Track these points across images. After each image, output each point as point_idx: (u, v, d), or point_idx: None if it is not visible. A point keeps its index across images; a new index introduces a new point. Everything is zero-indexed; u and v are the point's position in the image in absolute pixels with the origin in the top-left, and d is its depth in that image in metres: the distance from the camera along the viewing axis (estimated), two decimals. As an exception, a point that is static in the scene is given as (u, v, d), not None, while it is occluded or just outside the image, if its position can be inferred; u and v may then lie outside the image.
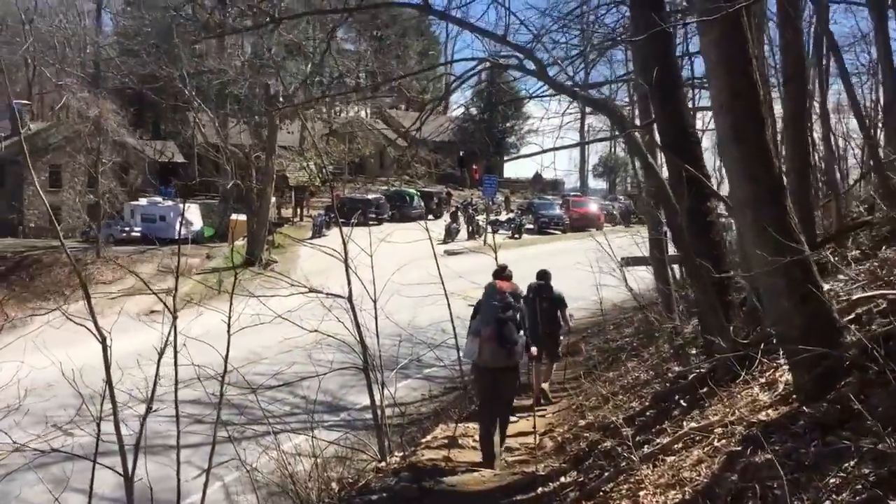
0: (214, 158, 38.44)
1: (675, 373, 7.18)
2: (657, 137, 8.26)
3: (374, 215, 41.70)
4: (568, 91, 7.18)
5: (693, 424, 5.15)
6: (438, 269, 10.94)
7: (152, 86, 42.55)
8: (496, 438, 7.75)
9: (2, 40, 66.61)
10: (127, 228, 41.42)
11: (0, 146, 48.85)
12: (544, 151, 10.62)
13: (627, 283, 11.25)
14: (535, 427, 9.15)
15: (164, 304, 6.50)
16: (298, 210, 46.17)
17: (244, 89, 37.51)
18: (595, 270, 12.01)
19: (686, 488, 4.28)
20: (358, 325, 7.88)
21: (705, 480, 4.26)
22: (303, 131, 46.61)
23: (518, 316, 7.90)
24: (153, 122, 60.16)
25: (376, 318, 8.33)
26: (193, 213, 42.68)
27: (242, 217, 36.22)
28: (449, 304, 10.79)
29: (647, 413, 6.58)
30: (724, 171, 9.03)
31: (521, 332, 7.91)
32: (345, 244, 8.12)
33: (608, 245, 11.53)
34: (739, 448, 4.34)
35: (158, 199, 44.94)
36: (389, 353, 10.46)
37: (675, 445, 4.98)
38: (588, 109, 31.25)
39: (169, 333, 5.88)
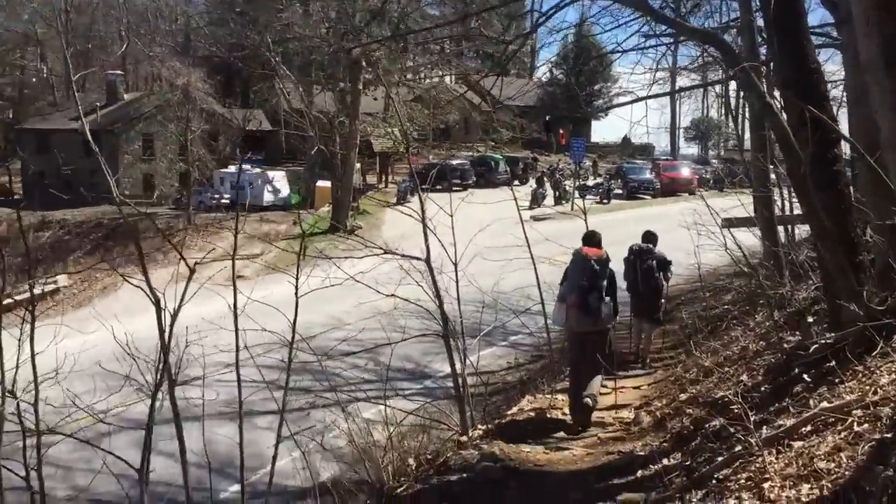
0: (298, 123, 38.56)
1: (792, 343, 6.34)
2: (762, 83, 7.37)
3: (458, 181, 41.28)
4: (671, 22, 6.41)
5: (824, 404, 4.38)
6: (524, 232, 10.39)
7: (240, 54, 42.99)
8: (588, 400, 7.64)
9: (99, 14, 68.98)
10: (216, 195, 42.15)
11: (96, 116, 50.32)
12: (635, 101, 9.79)
13: (732, 244, 10.36)
14: (615, 388, 8.60)
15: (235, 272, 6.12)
16: (383, 176, 46.09)
17: (328, 55, 37.33)
18: (691, 233, 11.26)
19: (823, 482, 3.57)
20: (437, 290, 7.35)
21: (847, 473, 3.54)
22: (387, 98, 46.40)
23: (605, 283, 7.82)
24: (242, 91, 61.10)
25: (457, 283, 7.80)
26: (280, 180, 43.14)
27: (328, 183, 36.29)
28: (536, 269, 10.22)
29: (762, 389, 5.81)
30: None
31: (608, 299, 7.85)
32: (422, 203, 7.60)
33: (706, 206, 10.87)
34: (890, 434, 3.61)
35: (246, 166, 45.55)
36: (473, 320, 9.99)
37: (803, 428, 4.24)
38: (680, 64, 29.61)
39: (186, 293, 5.51)
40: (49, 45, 70.92)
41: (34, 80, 72.29)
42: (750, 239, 11.66)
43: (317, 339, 10.72)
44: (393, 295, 7.62)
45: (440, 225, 8.40)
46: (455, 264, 7.82)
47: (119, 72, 56.86)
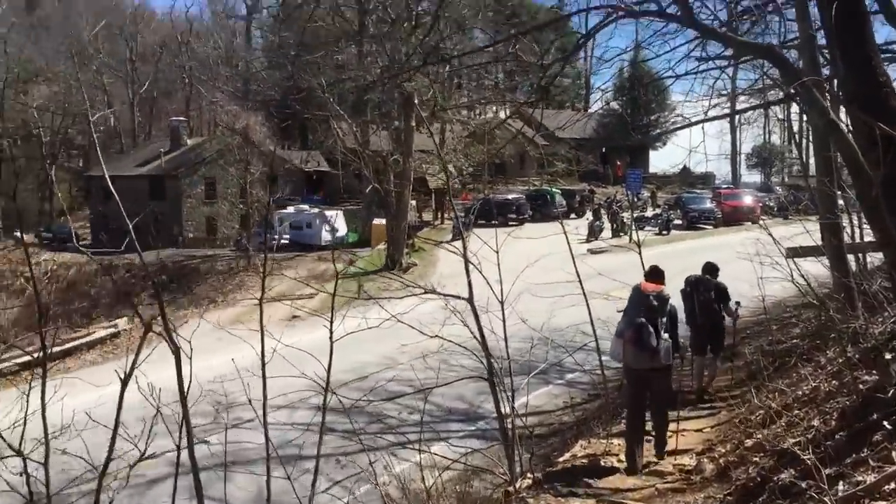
0: (352, 162, 38.96)
1: (868, 384, 5.78)
2: (820, 98, 6.85)
3: (514, 215, 41.00)
4: (724, 38, 5.98)
5: (909, 458, 3.88)
6: (575, 266, 9.99)
7: (297, 96, 43.74)
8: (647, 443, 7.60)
9: (163, 63, 71.47)
10: (276, 236, 42.65)
11: (160, 162, 51.78)
12: (691, 125, 9.38)
13: (796, 275, 9.78)
14: (676, 431, 8.08)
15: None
16: (439, 213, 46.08)
17: (382, 94, 37.68)
18: (755, 264, 10.74)
19: (910, 552, 3.10)
20: (480, 329, 6.99)
21: (940, 543, 3.07)
22: (441, 133, 46.63)
23: (664, 319, 7.72)
24: (300, 133, 62.23)
25: (503, 321, 7.44)
26: (338, 218, 43.50)
27: (384, 221, 36.41)
28: (588, 305, 9.79)
29: (837, 436, 5.26)
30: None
31: (666, 335, 7.72)
32: (463, 240, 7.31)
33: (770, 235, 10.38)
34: None
35: (305, 206, 46.13)
36: (527, 358, 9.62)
37: (886, 486, 3.75)
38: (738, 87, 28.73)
39: (141, 348, 5.23)
40: (116, 94, 73.79)
41: (102, 128, 74.93)
42: (817, 269, 11.05)
43: (369, 380, 10.50)
44: (437, 336, 7.29)
45: (489, 262, 8.09)
46: (501, 302, 7.45)
47: (182, 118, 58.52)
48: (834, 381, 7.06)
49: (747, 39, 6.48)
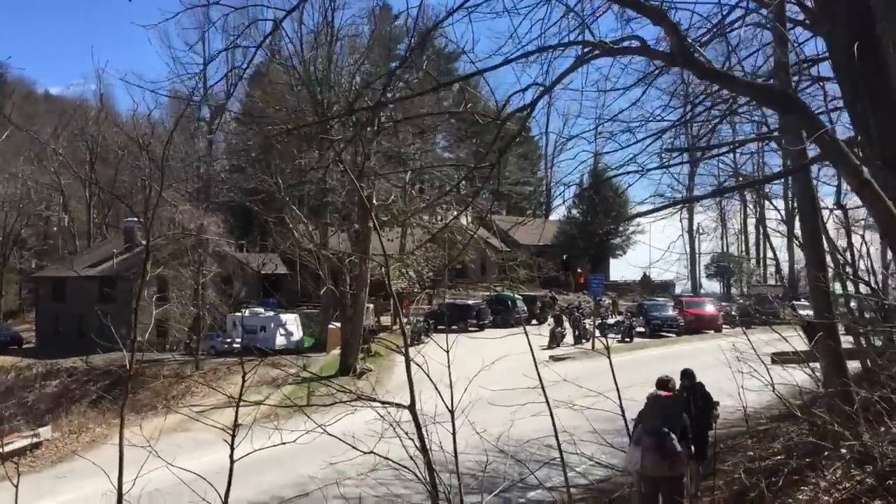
0: (308, 263, 38.05)
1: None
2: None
3: (474, 321, 40.21)
4: (722, 76, 5.20)
5: None
6: (538, 371, 8.98)
7: (256, 198, 43.09)
8: None
9: (123, 165, 70.84)
10: (228, 340, 41.16)
11: (112, 263, 50.32)
12: (651, 211, 8.65)
13: (778, 383, 8.89)
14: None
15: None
16: (397, 318, 45.03)
17: (342, 197, 37.21)
18: (730, 371, 9.89)
19: None
20: (423, 442, 5.84)
21: None
22: (403, 238, 46.12)
23: (682, 426, 8.18)
24: (260, 235, 61.40)
25: (454, 433, 6.32)
26: (293, 322, 42.13)
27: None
28: (552, 415, 8.75)
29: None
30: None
31: (684, 442, 8.13)
32: (405, 340, 6.28)
33: (738, 343, 9.70)
34: None
35: (260, 309, 44.77)
36: (486, 474, 8.50)
37: None
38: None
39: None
40: (73, 195, 72.66)
41: (55, 229, 73.50)
42: (798, 376, 10.22)
43: (313, 497, 9.22)
44: (372, 452, 6.17)
45: (445, 367, 7.13)
46: (451, 411, 6.35)
47: (137, 219, 57.42)
48: (846, 510, 5.99)
49: (757, 82, 5.68)
